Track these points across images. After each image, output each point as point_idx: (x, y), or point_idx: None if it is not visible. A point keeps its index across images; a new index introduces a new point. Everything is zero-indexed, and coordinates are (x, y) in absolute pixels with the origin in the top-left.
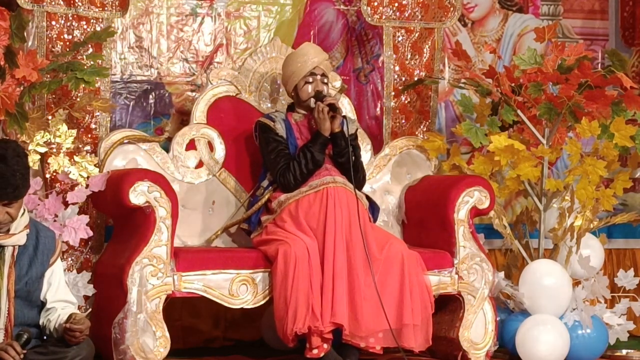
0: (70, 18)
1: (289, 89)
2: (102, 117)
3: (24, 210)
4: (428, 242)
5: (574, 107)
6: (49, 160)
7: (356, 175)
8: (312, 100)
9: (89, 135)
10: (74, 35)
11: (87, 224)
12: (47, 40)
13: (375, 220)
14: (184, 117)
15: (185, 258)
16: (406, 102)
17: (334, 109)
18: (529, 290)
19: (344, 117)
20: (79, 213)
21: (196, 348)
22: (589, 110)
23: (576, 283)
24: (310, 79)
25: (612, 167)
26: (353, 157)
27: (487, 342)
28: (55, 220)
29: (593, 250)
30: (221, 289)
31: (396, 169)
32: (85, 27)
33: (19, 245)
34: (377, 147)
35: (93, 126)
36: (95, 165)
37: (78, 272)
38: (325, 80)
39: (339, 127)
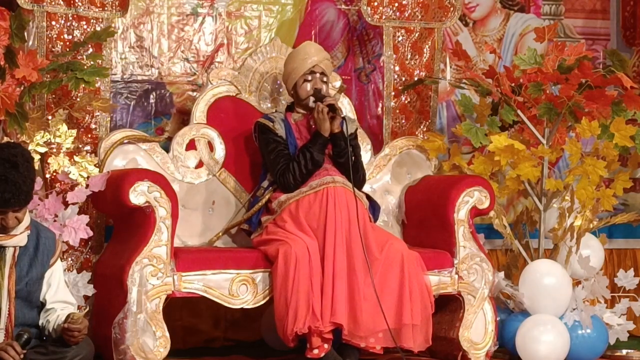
0: (70, 18)
1: (289, 86)
2: (102, 117)
3: (26, 211)
4: (428, 242)
5: (574, 107)
6: (49, 160)
7: (356, 175)
8: (311, 99)
9: (89, 135)
10: (74, 35)
11: (87, 224)
12: (47, 40)
13: (376, 219)
14: (184, 117)
15: (185, 258)
16: (406, 102)
17: (333, 109)
18: (529, 290)
19: (344, 117)
20: (79, 213)
21: (196, 348)
22: (589, 110)
23: (576, 283)
24: (310, 77)
25: (612, 167)
26: (353, 158)
27: (487, 342)
28: (55, 220)
29: (593, 250)
30: (221, 289)
31: (396, 169)
32: (85, 27)
33: (20, 246)
34: (378, 147)
35: (93, 126)
36: (95, 165)
37: (78, 272)
38: (325, 79)
39: (339, 127)
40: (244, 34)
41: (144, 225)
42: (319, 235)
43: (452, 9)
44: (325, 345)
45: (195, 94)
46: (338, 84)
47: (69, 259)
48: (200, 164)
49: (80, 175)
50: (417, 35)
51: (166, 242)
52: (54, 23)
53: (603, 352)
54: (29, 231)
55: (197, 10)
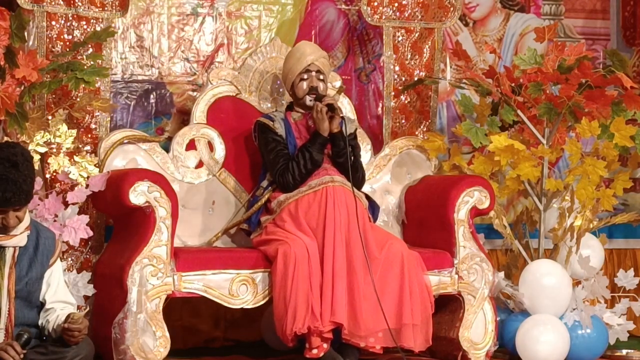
0: (70, 18)
1: (287, 86)
2: (102, 117)
3: (26, 210)
4: (428, 242)
5: (574, 107)
6: (49, 160)
7: (355, 175)
8: (307, 98)
9: (89, 135)
10: (74, 35)
11: (87, 224)
12: (47, 40)
13: (375, 219)
14: (185, 117)
15: (185, 258)
16: (406, 102)
17: (332, 109)
18: (529, 290)
19: (343, 117)
20: (79, 213)
21: (196, 348)
22: (589, 110)
23: (576, 283)
24: (305, 76)
25: (612, 167)
26: (352, 157)
27: (487, 342)
28: (55, 220)
29: (593, 250)
30: (221, 289)
31: (396, 169)
32: (85, 27)
33: (20, 246)
34: (378, 147)
35: (93, 126)
36: (95, 165)
37: (78, 272)
38: (322, 77)
39: (338, 127)
40: (244, 34)
41: (144, 225)
42: (318, 235)
43: (452, 9)
44: (325, 345)
45: (195, 93)
46: (338, 84)
47: (69, 259)
48: (200, 164)
49: (80, 175)
50: (417, 35)
51: (166, 242)
52: (54, 23)
53: (603, 352)
54: (28, 231)
55: (197, 10)
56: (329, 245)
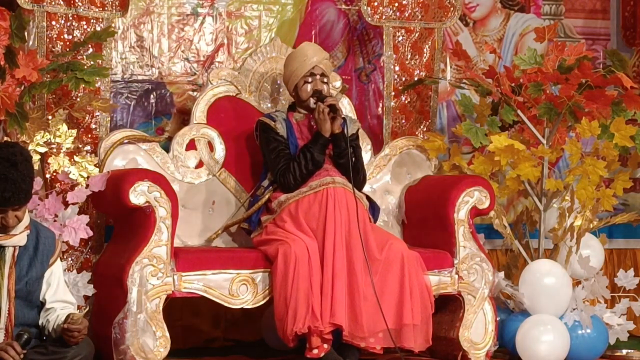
0: (70, 18)
1: (290, 88)
2: (102, 117)
3: (25, 209)
4: (428, 242)
5: (574, 107)
6: (49, 160)
7: (356, 176)
8: (311, 100)
9: (89, 135)
10: (74, 35)
11: (87, 224)
12: (47, 40)
13: (375, 220)
14: (185, 117)
15: (185, 258)
16: (406, 102)
17: (334, 109)
18: (529, 290)
19: (344, 118)
20: (79, 213)
21: (196, 348)
22: (589, 110)
23: (576, 283)
24: (310, 79)
25: (612, 167)
26: (353, 158)
27: (487, 342)
28: (55, 220)
29: (593, 250)
30: (221, 289)
31: (396, 169)
32: (85, 27)
33: (20, 246)
34: (378, 147)
35: (93, 126)
36: (95, 165)
37: (78, 272)
38: (325, 80)
39: (340, 128)
40: (244, 33)
41: (144, 225)
42: (319, 236)
43: (452, 9)
44: (325, 345)
45: (195, 93)
46: (338, 84)
47: (69, 259)
48: (200, 164)
49: (80, 175)
50: (417, 35)
51: (166, 242)
52: (54, 23)
53: (603, 352)
54: (28, 231)
55: (197, 10)
56: (329, 247)
